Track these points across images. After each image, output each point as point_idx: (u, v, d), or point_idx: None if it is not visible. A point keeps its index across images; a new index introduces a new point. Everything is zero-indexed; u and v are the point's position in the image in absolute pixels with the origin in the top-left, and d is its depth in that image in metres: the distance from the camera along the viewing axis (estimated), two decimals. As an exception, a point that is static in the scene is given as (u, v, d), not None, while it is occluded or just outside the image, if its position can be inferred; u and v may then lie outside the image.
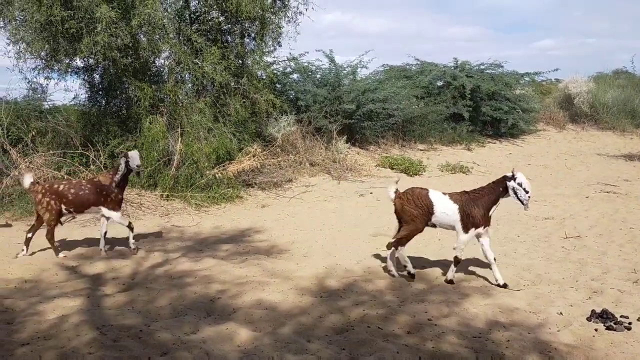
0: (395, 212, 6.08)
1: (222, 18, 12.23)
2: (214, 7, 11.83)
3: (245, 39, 12.54)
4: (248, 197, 10.99)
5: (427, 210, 5.82)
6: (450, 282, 5.78)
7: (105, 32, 9.69)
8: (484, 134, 18.63)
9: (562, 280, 5.85)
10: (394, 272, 6.01)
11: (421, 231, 5.99)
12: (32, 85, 11.56)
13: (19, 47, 10.22)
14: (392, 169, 13.96)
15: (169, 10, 11.45)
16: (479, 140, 18.00)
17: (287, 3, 12.42)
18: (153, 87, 11.22)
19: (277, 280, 5.79)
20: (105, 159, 10.60)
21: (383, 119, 15.30)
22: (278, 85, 14.80)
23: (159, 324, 4.52)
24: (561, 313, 4.85)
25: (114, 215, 7.08)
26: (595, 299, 5.32)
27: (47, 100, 12.54)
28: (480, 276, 6.03)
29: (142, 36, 10.84)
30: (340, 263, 6.51)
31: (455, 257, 5.80)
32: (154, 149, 10.66)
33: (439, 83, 18.66)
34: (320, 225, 8.88)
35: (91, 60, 11.07)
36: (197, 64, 11.26)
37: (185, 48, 11.46)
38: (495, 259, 5.77)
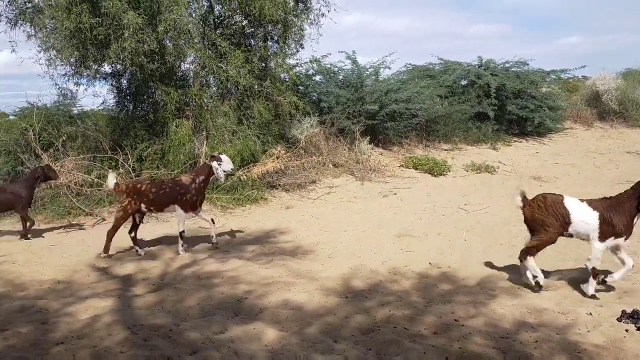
0: (525, 221, 5.70)
1: (245, 22, 12.35)
2: (238, 11, 11.97)
3: (268, 42, 12.65)
4: (272, 198, 11.07)
5: (563, 220, 5.39)
6: (593, 297, 5.25)
7: (132, 38, 9.89)
8: (510, 133, 18.38)
9: (591, 281, 5.74)
10: (529, 281, 5.56)
11: (554, 242, 5.60)
12: (62, 91, 11.91)
13: (50, 54, 10.49)
14: (416, 169, 13.89)
15: (193, 15, 11.61)
16: (505, 139, 17.76)
17: (309, 5, 12.49)
18: (179, 91, 11.40)
19: (302, 281, 5.84)
20: (134, 162, 10.82)
21: (406, 119, 15.23)
22: (301, 87, 14.86)
23: (188, 324, 4.61)
24: (591, 313, 4.78)
25: (181, 214, 7.29)
26: (626, 299, 5.22)
27: (77, 105, 12.86)
28: (507, 277, 5.97)
29: (167, 41, 11.04)
30: (365, 264, 6.52)
31: (593, 269, 5.32)
32: (180, 152, 10.83)
33: (463, 82, 18.48)
34: (344, 226, 8.91)
35: (119, 66, 11.30)
36: (222, 67, 11.40)
37: (210, 52, 11.61)
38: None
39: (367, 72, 15.50)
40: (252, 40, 12.62)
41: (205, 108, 11.59)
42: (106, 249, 7.19)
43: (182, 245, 7.32)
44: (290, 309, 4.98)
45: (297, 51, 13.00)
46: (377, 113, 14.54)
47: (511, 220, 8.69)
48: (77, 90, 11.91)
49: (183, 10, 10.43)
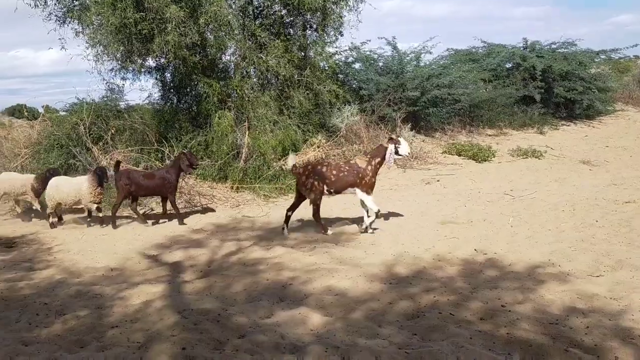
0: None
1: (284, 11, 12.41)
2: (277, 0, 12.03)
3: (307, 30, 12.67)
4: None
5: None
6: None
7: (175, 31, 10.11)
8: (557, 116, 17.82)
9: (646, 266, 5.54)
10: None
11: None
12: (110, 86, 12.33)
13: (97, 50, 10.86)
14: (460, 155, 13.67)
15: (233, 6, 11.75)
16: (552, 122, 17.24)
17: (348, -8, 12.42)
18: (220, 83, 11.59)
19: (346, 268, 5.86)
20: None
21: (449, 104, 14.98)
22: (340, 76, 14.84)
23: (235, 309, 4.72)
24: (645, 300, 4.61)
25: (367, 198, 7.42)
26: (684, 285, 5.00)
27: (123, 100, 13.28)
28: (556, 263, 5.82)
29: (209, 34, 11.23)
30: (408, 250, 6.49)
31: None
32: (223, 143, 11.04)
33: (508, 65, 18.02)
34: (386, 214, 8.87)
35: (162, 60, 11.59)
36: (262, 58, 11.50)
37: (250, 43, 11.73)
38: None
39: (407, 58, 15.32)
40: (291, 29, 12.67)
41: (247, 99, 11.74)
42: (323, 228, 7.49)
43: (371, 227, 7.41)
44: (335, 295, 5.02)
45: (336, 39, 12.99)
46: (418, 99, 14.36)
47: (559, 205, 8.45)
48: (123, 84, 12.33)
49: (223, 2, 10.58)
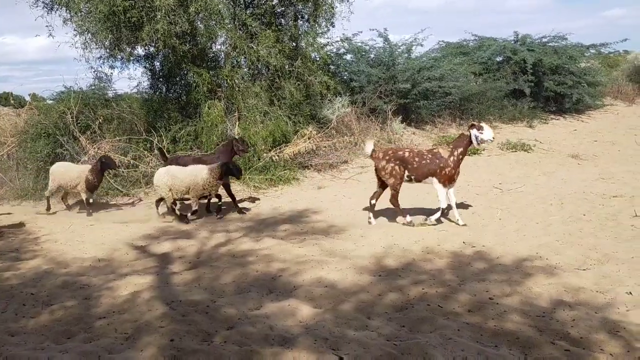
0: None
1: (275, 1, 12.33)
2: (268, -11, 11.93)
3: (298, 21, 12.58)
4: (304, 178, 11.12)
5: None
6: None
7: (165, 19, 10.00)
8: (547, 110, 17.91)
9: (631, 260, 5.59)
10: None
11: None
12: (98, 75, 12.17)
13: (85, 37, 10.72)
14: (449, 148, 13.70)
15: (224, -5, 11.64)
16: (542, 116, 17.33)
17: (340, -18, 12.34)
18: (210, 72, 11.50)
19: (335, 260, 5.87)
20: (168, 143, 11.01)
21: (439, 97, 14.99)
22: (332, 67, 14.78)
23: (224, 300, 4.71)
24: (631, 293, 4.65)
25: (441, 190, 7.24)
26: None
27: (112, 88, 13.14)
28: (543, 256, 5.87)
29: (199, 22, 11.12)
30: (397, 243, 6.50)
31: None
32: (213, 134, 10.97)
33: (499, 58, 18.05)
34: (377, 206, 8.88)
35: (152, 48, 11.47)
36: (252, 48, 11.42)
37: (241, 33, 11.64)
38: None
39: (399, 50, 15.28)
40: (282, 19, 12.58)
41: (237, 89, 11.66)
42: (402, 213, 7.40)
43: (437, 219, 7.31)
44: (324, 287, 5.02)
45: (328, 30, 12.92)
46: (409, 92, 14.36)
47: (548, 199, 8.51)
48: (111, 73, 12.20)
49: (214, -10, 10.46)
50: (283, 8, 12.47)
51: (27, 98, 14.70)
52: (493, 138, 7.17)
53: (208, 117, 11.07)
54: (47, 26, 10.95)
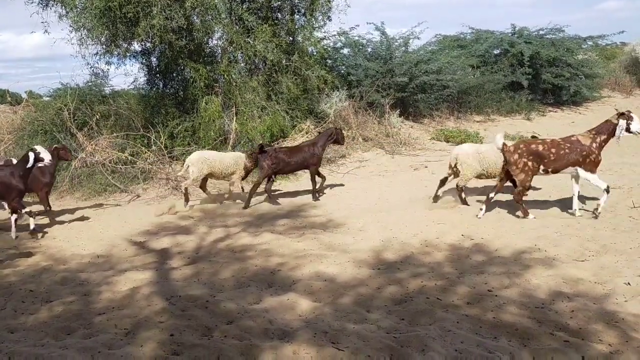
0: None
1: (272, -5, 12.26)
2: (264, -17, 11.87)
3: (295, 15, 12.54)
4: (303, 173, 11.09)
5: None
6: None
7: (161, 15, 9.95)
8: (545, 103, 17.90)
9: (629, 251, 5.61)
10: None
11: None
12: (94, 71, 12.12)
13: (81, 33, 10.67)
14: (448, 141, 13.69)
15: (220, -10, 11.58)
16: (539, 109, 17.32)
17: (336, -25, 12.30)
18: (207, 67, 11.46)
19: (334, 254, 5.87)
20: (165, 139, 10.98)
21: (437, 90, 14.96)
22: (329, 61, 14.74)
23: (223, 295, 4.71)
24: (629, 283, 4.67)
25: (592, 177, 6.92)
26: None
27: (108, 85, 13.09)
28: (542, 248, 5.87)
29: (195, 18, 11.07)
30: (396, 236, 6.51)
31: None
32: (210, 129, 10.95)
33: (496, 51, 18.01)
34: (375, 200, 8.89)
35: (148, 44, 11.42)
36: (249, 42, 11.38)
37: (237, 27, 11.59)
38: None
39: (396, 44, 15.24)
40: (279, 13, 12.53)
41: (234, 84, 11.63)
42: (526, 210, 7.05)
43: (599, 208, 6.83)
44: (323, 281, 5.03)
45: (325, 24, 12.89)
46: (406, 85, 14.33)
47: (546, 192, 8.51)
48: (108, 69, 12.14)
49: (209, -15, 10.40)
50: (279, 2, 12.42)
51: (24, 95, 14.65)
52: None
53: (205, 112, 11.04)
54: (42, 23, 10.90)
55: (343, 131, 9.88)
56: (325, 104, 13.08)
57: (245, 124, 11.22)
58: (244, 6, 11.92)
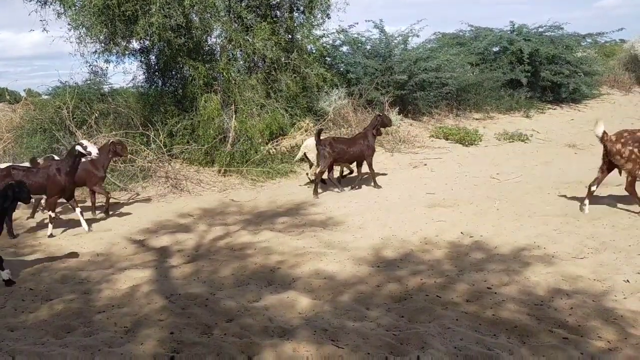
0: None
1: (271, -8, 12.23)
2: (263, -19, 11.85)
3: (294, 12, 12.53)
4: (302, 171, 11.10)
5: None
6: None
7: (159, 12, 9.93)
8: (544, 100, 17.87)
9: (628, 248, 5.62)
10: None
11: None
12: (93, 69, 12.09)
13: (80, 32, 10.63)
14: (447, 139, 13.69)
15: (219, -13, 11.55)
16: (539, 106, 17.30)
17: (335, -27, 12.27)
18: (206, 65, 11.43)
19: (334, 251, 5.88)
20: (165, 138, 10.97)
21: (436, 88, 14.93)
22: (328, 59, 14.71)
23: (223, 293, 4.72)
24: (628, 280, 4.68)
25: None
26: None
27: (107, 83, 13.06)
28: (541, 245, 5.89)
29: (194, 15, 11.04)
30: (396, 234, 6.52)
31: None
32: (209, 127, 10.93)
33: (495, 49, 17.96)
34: (374, 197, 8.90)
35: (147, 42, 11.37)
36: (248, 40, 11.36)
37: (236, 25, 11.57)
38: None
39: (395, 41, 15.21)
40: (277, 11, 12.51)
41: (233, 82, 11.61)
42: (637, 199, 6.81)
43: None
44: (323, 279, 5.04)
45: (324, 21, 12.87)
46: (406, 83, 14.31)
47: (544, 188, 8.53)
48: (107, 67, 12.10)
49: (208, -17, 10.38)
50: (278, 0, 12.40)
51: (22, 93, 14.64)
52: None
53: (204, 110, 11.03)
54: (41, 21, 10.87)
55: (387, 114, 10.23)
56: (325, 102, 13.07)
57: (245, 122, 11.21)
58: (242, 4, 11.90)
